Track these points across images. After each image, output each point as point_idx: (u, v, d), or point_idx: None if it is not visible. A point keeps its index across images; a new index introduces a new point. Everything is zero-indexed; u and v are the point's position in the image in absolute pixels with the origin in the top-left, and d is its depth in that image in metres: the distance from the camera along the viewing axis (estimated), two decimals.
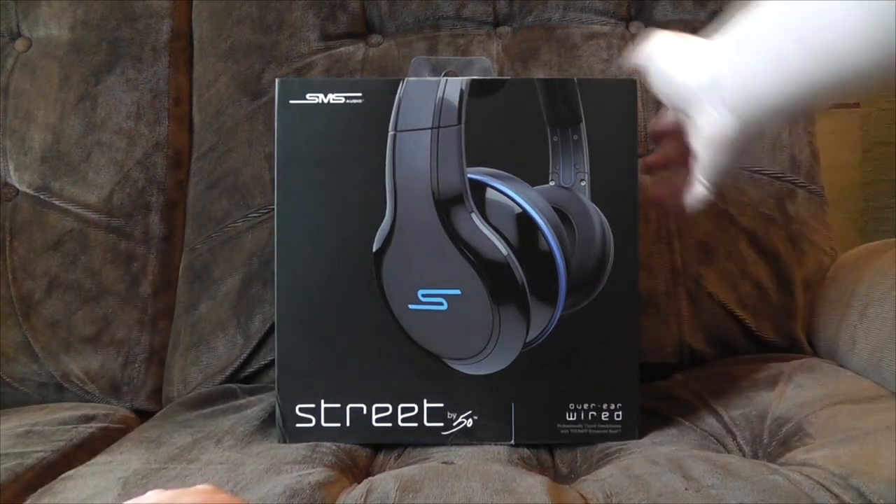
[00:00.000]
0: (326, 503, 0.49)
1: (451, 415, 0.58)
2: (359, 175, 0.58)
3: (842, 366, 0.68)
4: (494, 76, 0.67)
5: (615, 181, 0.58)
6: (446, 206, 0.56)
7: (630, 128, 0.58)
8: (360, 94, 0.58)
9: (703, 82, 0.48)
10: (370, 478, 0.53)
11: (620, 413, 0.58)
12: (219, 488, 0.38)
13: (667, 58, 0.52)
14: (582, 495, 0.49)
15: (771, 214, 0.77)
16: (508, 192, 0.57)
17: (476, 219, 0.56)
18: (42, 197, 0.81)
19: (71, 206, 0.80)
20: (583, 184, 0.58)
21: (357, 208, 0.58)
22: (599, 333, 0.58)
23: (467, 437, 0.59)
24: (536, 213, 0.57)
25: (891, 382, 0.61)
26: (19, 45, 0.84)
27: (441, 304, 0.57)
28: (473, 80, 0.57)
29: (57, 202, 0.80)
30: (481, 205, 0.57)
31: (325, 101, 0.58)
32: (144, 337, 0.79)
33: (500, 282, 0.56)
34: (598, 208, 0.58)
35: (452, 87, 0.57)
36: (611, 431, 0.58)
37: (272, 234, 0.59)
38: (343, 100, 0.58)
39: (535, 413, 0.59)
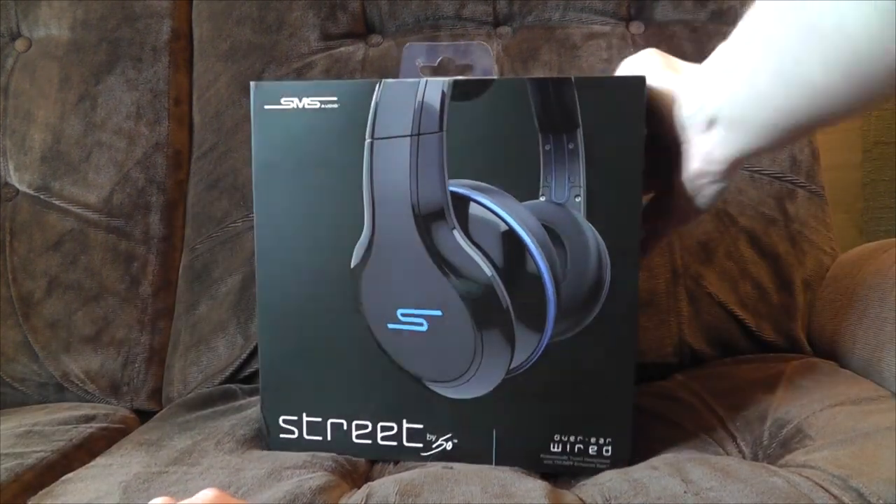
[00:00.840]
0: None
1: (431, 437, 0.56)
2: (337, 185, 0.54)
3: (842, 366, 0.68)
4: (493, 62, 0.63)
5: (615, 197, 0.51)
6: (426, 221, 0.52)
7: (635, 135, 0.50)
8: (335, 98, 0.53)
9: (697, 113, 0.48)
10: (370, 483, 0.53)
11: (610, 448, 0.54)
12: (225, 492, 0.38)
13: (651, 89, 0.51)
14: (581, 499, 0.50)
15: (771, 214, 0.77)
16: (494, 208, 0.52)
17: (458, 236, 0.52)
18: (42, 197, 0.81)
19: (71, 206, 0.80)
20: (577, 199, 0.52)
21: (336, 220, 0.54)
22: (590, 364, 0.53)
23: (447, 460, 0.56)
24: (524, 231, 0.51)
25: (891, 382, 0.61)
26: (19, 45, 0.84)
27: (421, 324, 0.53)
28: (456, 82, 0.51)
29: (57, 202, 0.81)
30: (464, 221, 0.52)
31: (300, 105, 0.54)
32: (144, 337, 0.79)
33: (484, 304, 0.52)
34: (594, 227, 0.52)
35: (433, 90, 0.51)
36: (598, 466, 0.54)
37: None
38: (318, 104, 0.53)
39: (517, 441, 0.55)
